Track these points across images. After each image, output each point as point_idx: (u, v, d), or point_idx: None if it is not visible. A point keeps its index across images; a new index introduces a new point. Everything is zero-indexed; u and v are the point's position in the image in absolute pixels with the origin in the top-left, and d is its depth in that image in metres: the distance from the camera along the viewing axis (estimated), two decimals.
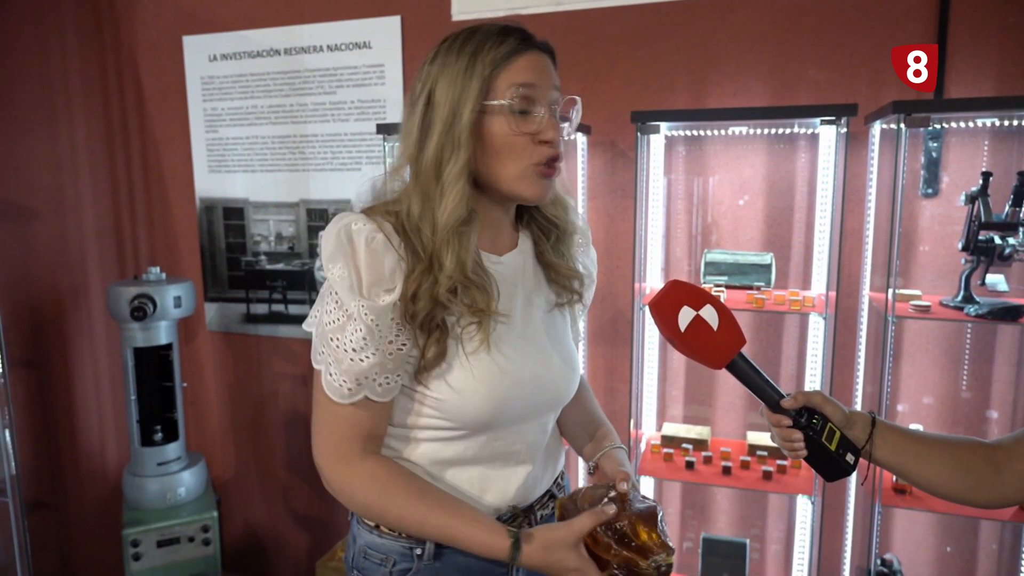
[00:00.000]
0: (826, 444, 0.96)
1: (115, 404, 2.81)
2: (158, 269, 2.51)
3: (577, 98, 1.02)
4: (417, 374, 0.99)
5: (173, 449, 2.54)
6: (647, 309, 2.18)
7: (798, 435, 0.97)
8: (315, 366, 0.97)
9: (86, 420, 2.74)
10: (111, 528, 2.54)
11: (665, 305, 0.97)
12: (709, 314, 0.95)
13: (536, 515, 1.14)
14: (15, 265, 2.53)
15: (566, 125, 1.01)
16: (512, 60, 0.95)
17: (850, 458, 0.97)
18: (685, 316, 0.95)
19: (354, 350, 0.93)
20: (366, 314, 0.92)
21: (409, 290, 0.94)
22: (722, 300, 0.99)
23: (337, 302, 0.94)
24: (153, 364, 2.51)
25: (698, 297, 0.96)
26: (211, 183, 2.81)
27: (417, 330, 0.96)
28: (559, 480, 1.22)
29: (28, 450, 2.56)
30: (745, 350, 0.98)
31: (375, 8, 2.46)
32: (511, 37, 0.96)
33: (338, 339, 0.93)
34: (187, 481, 2.54)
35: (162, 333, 2.47)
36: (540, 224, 1.11)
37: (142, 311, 2.27)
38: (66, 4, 2.61)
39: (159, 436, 2.52)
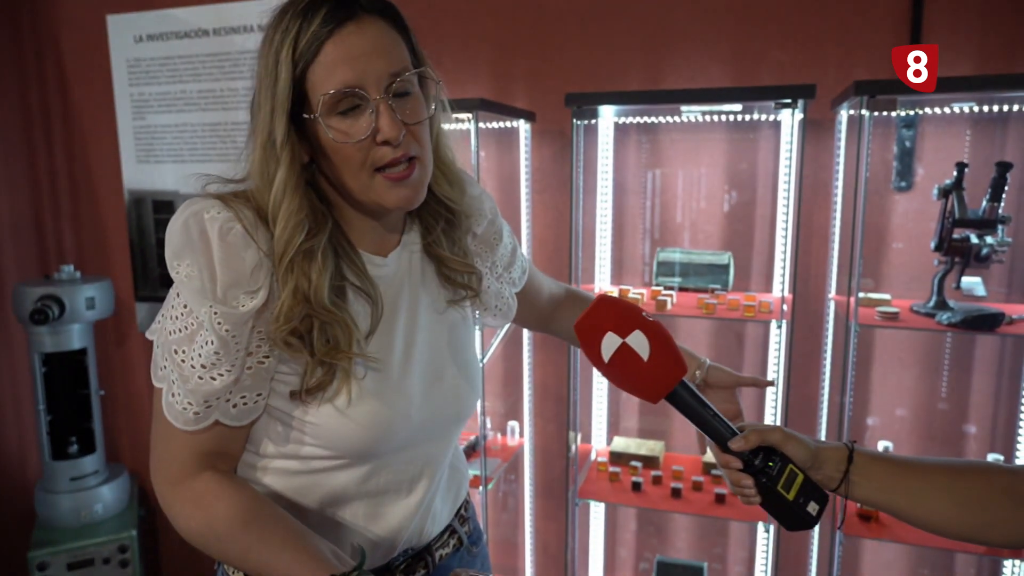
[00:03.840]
0: (782, 492, 0.78)
1: (33, 414, 2.61)
2: (72, 267, 2.31)
3: (423, 69, 0.80)
4: (294, 396, 0.81)
5: (90, 462, 2.34)
6: None
7: (749, 480, 0.79)
8: (155, 383, 0.79)
9: (0, 431, 2.55)
10: (22, 549, 2.34)
11: (587, 329, 0.79)
12: (638, 342, 0.77)
13: (435, 555, 0.97)
14: None
15: (408, 101, 0.78)
16: (320, 50, 0.74)
17: (813, 508, 0.79)
18: (609, 344, 0.78)
19: (203, 366, 0.75)
20: (219, 323, 0.74)
21: (282, 310, 0.76)
22: (653, 317, 0.78)
23: (185, 306, 0.76)
24: (67, 370, 2.32)
25: (626, 321, 0.78)
26: (140, 174, 2.61)
27: (292, 352, 0.78)
28: (462, 511, 1.04)
29: None
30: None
31: None
32: (317, 15, 0.74)
33: (184, 351, 0.76)
34: (105, 496, 2.35)
35: (75, 337, 2.28)
36: (430, 209, 0.91)
37: (43, 314, 2.08)
38: None
39: (74, 448, 2.33)
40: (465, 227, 0.95)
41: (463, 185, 0.94)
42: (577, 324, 0.80)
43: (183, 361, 0.76)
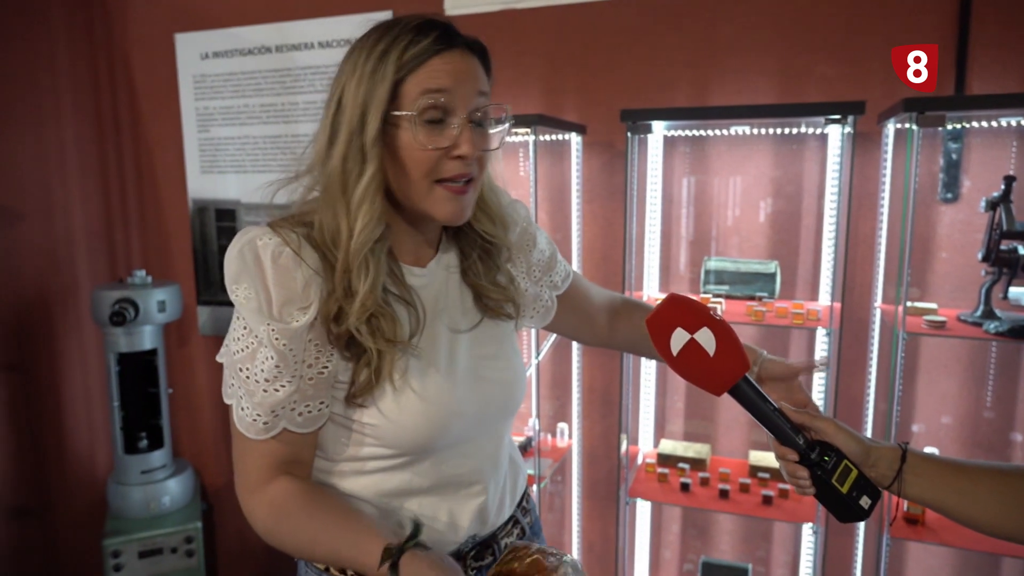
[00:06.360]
0: (836, 485, 0.83)
1: (104, 410, 2.76)
2: (143, 272, 2.45)
3: (506, 106, 0.91)
4: (348, 400, 0.89)
5: (158, 457, 2.48)
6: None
7: (805, 471, 0.85)
8: (226, 400, 0.88)
9: (74, 426, 2.69)
10: (96, 537, 2.48)
11: (658, 325, 0.86)
12: (705, 338, 0.84)
13: (500, 543, 1.05)
14: (0, 267, 2.48)
15: (496, 132, 0.90)
16: (426, 62, 0.84)
17: (865, 501, 0.84)
18: (678, 339, 0.84)
19: (266, 380, 0.83)
20: (277, 338, 0.83)
21: (331, 310, 0.85)
22: (720, 316, 0.85)
23: (245, 327, 0.84)
24: (138, 370, 2.45)
25: (695, 318, 0.84)
26: (203, 184, 2.75)
27: (344, 352, 0.87)
28: (523, 503, 1.12)
29: (11, 455, 2.51)
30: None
31: (366, 3, 2.37)
32: (428, 35, 0.84)
33: (248, 368, 0.84)
34: (172, 490, 2.48)
35: (147, 338, 2.41)
36: (467, 238, 1.01)
37: (121, 316, 2.21)
38: (55, 0, 2.56)
39: (144, 443, 2.46)
40: (504, 257, 1.03)
41: (504, 222, 1.01)
42: (649, 320, 0.87)
43: (247, 377, 0.84)
